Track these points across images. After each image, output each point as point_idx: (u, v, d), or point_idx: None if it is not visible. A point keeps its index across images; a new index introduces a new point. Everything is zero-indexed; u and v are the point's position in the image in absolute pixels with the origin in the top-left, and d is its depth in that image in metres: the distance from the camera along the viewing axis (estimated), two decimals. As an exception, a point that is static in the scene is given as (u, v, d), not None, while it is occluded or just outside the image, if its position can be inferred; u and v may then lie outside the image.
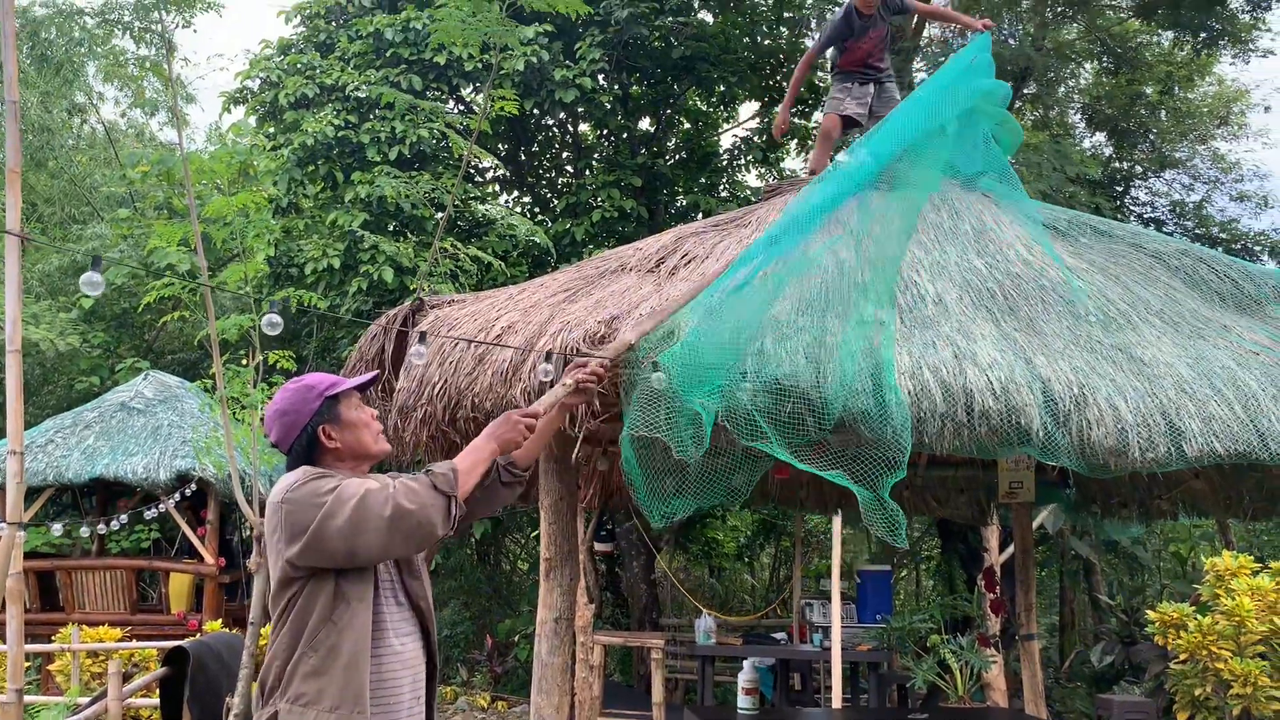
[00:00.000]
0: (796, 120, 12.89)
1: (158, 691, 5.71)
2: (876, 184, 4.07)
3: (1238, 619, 6.08)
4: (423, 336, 3.81)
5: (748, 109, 14.28)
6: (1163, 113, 14.07)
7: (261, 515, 3.03)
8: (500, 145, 13.26)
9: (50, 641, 8.94)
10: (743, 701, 5.66)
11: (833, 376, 3.35)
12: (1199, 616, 6.30)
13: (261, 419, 4.93)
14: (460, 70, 11.58)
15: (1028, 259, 4.38)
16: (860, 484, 3.18)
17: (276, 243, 9.76)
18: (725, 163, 13.63)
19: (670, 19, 12.25)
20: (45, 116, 16.46)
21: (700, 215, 11.74)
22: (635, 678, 10.78)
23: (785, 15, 13.06)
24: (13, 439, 3.39)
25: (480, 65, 11.20)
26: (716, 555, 13.98)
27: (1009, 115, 4.58)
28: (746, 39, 12.65)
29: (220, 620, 10.11)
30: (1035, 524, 8.55)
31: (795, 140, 13.75)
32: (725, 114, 14.15)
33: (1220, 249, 11.35)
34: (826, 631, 7.67)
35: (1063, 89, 14.39)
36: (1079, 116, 14.80)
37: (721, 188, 13.44)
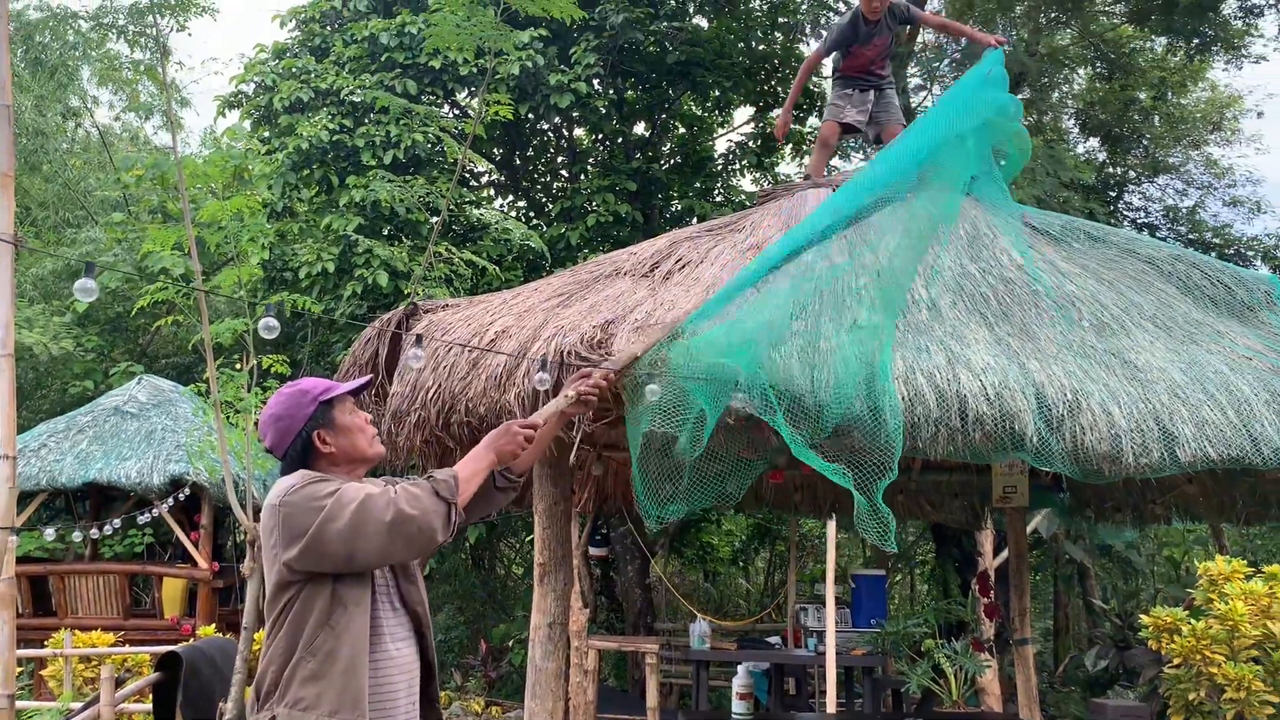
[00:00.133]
0: (793, 125, 12.90)
1: (151, 697, 5.71)
2: (899, 194, 4.06)
3: (1231, 623, 6.09)
4: (419, 339, 3.81)
5: (742, 114, 14.31)
6: (1156, 118, 14.12)
7: (256, 520, 3.02)
8: (495, 150, 13.26)
9: (43, 646, 8.91)
10: (737, 706, 5.67)
11: (829, 382, 3.35)
12: (1193, 621, 6.31)
13: (256, 424, 4.93)
14: (455, 75, 11.58)
15: (1021, 264, 4.39)
16: (853, 489, 3.18)
17: (271, 247, 9.72)
18: (720, 168, 13.63)
19: (665, 24, 12.27)
20: (39, 120, 16.42)
21: (695, 220, 11.76)
22: (630, 682, 10.77)
23: (780, 21, 13.09)
24: (5, 443, 3.38)
25: (475, 70, 11.20)
26: (711, 560, 13.97)
27: (1023, 130, 4.55)
28: (741, 44, 12.66)
29: (214, 625, 10.09)
30: (1029, 529, 8.57)
31: (790, 145, 13.78)
32: (720, 119, 14.15)
33: (1213, 254, 11.40)
34: (821, 636, 7.65)
35: (1056, 94, 14.43)
36: (1072, 122, 14.84)
37: (716, 192, 13.45)
